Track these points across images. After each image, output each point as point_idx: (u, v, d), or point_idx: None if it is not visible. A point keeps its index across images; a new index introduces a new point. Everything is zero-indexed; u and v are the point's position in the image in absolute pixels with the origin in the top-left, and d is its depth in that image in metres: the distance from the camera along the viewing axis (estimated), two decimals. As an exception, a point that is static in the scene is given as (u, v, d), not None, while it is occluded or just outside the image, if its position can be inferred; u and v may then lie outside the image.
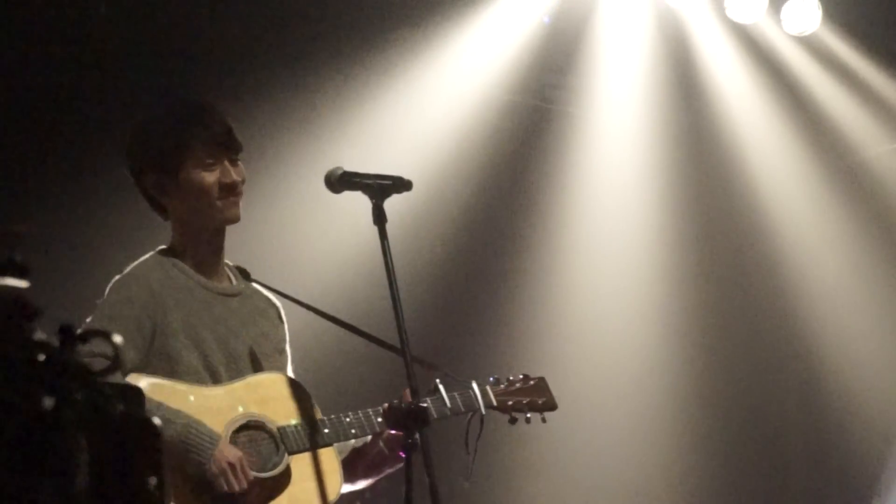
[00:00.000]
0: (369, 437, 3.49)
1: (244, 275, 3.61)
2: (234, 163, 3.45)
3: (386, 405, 3.34)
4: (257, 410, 3.37)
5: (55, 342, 1.49)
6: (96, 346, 1.58)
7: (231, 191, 3.43)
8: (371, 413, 3.45)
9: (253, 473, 3.29)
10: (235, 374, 3.41)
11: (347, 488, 3.52)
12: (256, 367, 3.45)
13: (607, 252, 6.76)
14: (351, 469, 3.50)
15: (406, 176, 3.43)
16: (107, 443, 1.51)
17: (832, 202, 6.87)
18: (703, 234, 7.03)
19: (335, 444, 3.44)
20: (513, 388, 3.77)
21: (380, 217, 3.36)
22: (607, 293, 6.78)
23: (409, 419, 3.21)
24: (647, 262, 6.86)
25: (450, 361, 3.83)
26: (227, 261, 3.58)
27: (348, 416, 3.45)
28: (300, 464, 3.37)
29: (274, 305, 3.64)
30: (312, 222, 5.68)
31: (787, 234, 6.92)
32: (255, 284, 3.62)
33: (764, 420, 7.19)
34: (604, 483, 6.68)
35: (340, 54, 5.78)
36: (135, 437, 1.56)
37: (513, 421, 3.74)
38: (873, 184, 6.87)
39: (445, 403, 3.56)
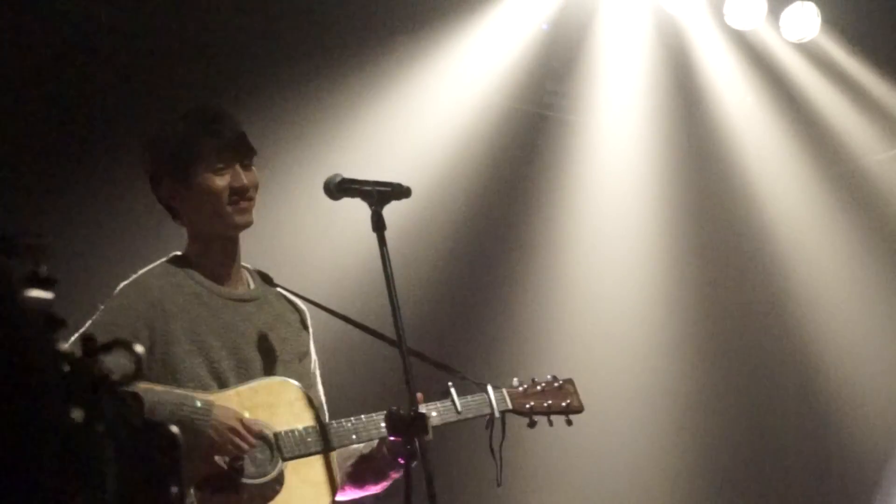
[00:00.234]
0: (376, 442, 3.46)
1: (266, 280, 3.58)
2: (246, 168, 3.44)
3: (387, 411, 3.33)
4: (261, 415, 3.34)
5: (78, 352, 1.50)
6: (116, 356, 1.58)
7: (242, 195, 3.41)
8: (375, 418, 3.43)
9: (242, 480, 3.27)
10: (246, 379, 3.38)
11: (357, 494, 3.50)
12: (269, 373, 3.42)
13: (607, 259, 6.76)
14: (359, 474, 3.49)
15: (405, 183, 3.43)
16: (131, 452, 1.53)
17: (832, 208, 6.86)
18: (703, 240, 7.02)
19: (338, 450, 3.42)
20: (534, 390, 3.73)
21: (379, 224, 3.35)
22: (607, 301, 6.77)
23: (407, 426, 3.20)
24: (647, 268, 6.85)
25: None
26: (247, 265, 3.56)
27: (350, 422, 3.43)
28: (296, 470, 3.35)
29: (297, 311, 3.61)
30: (311, 229, 5.67)
31: (788, 240, 6.92)
32: (279, 289, 3.60)
33: (767, 425, 7.19)
34: (603, 487, 6.67)
35: (339, 61, 5.78)
36: (156, 445, 1.57)
37: (532, 424, 3.71)
38: (873, 190, 6.87)
39: (456, 408, 3.55)
